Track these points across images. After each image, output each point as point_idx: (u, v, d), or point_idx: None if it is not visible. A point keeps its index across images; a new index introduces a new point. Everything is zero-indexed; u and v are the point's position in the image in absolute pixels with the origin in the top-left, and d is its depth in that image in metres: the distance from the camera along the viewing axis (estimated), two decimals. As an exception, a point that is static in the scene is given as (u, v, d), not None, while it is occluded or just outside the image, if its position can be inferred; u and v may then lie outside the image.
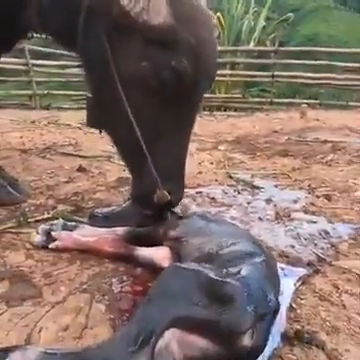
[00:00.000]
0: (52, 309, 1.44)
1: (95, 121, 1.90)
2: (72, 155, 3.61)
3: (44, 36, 2.13)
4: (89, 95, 1.83)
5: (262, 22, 12.29)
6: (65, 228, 1.90)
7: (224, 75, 10.67)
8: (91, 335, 1.32)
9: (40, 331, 1.33)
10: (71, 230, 1.89)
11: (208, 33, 1.62)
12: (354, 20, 19.25)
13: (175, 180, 1.75)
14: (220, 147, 4.49)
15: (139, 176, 1.75)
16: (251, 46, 11.63)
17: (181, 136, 1.72)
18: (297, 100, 10.35)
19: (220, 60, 9.84)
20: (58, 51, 10.55)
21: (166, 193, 1.67)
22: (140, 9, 1.41)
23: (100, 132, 1.93)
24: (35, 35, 2.36)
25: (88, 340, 1.28)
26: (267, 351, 1.25)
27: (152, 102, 1.59)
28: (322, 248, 2.06)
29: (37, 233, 1.88)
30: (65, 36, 1.83)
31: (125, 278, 1.66)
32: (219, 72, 10.04)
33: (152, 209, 1.80)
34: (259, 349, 1.21)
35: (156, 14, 1.42)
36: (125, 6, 1.41)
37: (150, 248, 1.75)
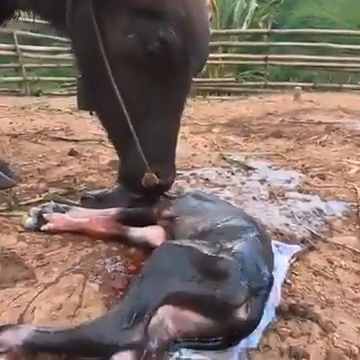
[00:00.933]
0: (45, 290, 1.43)
1: (86, 103, 1.83)
2: (63, 139, 3.55)
3: (33, 20, 2.05)
4: (79, 76, 1.77)
5: (254, 4, 12.08)
6: (57, 210, 1.88)
7: (217, 58, 10.54)
8: (85, 314, 1.31)
9: (33, 311, 1.31)
10: (63, 212, 1.87)
11: (198, 7, 1.56)
12: (348, 2, 19.02)
13: (165, 162, 1.69)
14: (214, 130, 4.46)
15: (126, 158, 1.69)
16: (244, 28, 11.47)
17: (171, 117, 1.65)
18: (291, 83, 10.26)
19: (212, 43, 9.70)
20: (48, 36, 10.38)
21: (154, 176, 1.61)
22: None
23: (91, 114, 1.86)
24: (23, 18, 2.29)
25: (82, 319, 1.27)
26: (262, 325, 1.25)
27: (140, 79, 1.52)
28: (316, 225, 2.06)
29: (28, 216, 1.85)
30: (53, 15, 1.76)
31: (118, 258, 1.64)
32: (212, 55, 9.90)
33: (140, 192, 1.75)
34: (254, 323, 1.20)
35: None
36: None
37: (143, 228, 1.73)
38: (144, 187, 1.63)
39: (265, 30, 10.45)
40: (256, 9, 12.21)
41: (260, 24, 11.75)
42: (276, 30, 10.45)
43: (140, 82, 1.53)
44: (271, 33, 10.17)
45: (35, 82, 9.37)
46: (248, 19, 11.72)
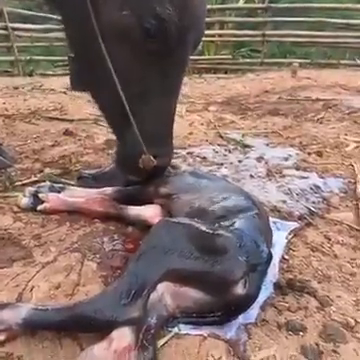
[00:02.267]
0: (43, 269, 1.43)
1: (79, 83, 1.78)
2: (58, 119, 3.49)
3: None
4: (71, 55, 1.70)
5: (251, -22, 11.74)
6: (52, 190, 1.86)
7: (213, 35, 10.30)
8: (83, 292, 1.31)
9: (32, 290, 1.31)
10: (59, 192, 1.85)
11: None
12: (346, -25, 18.53)
13: (162, 143, 1.64)
14: (210, 108, 4.39)
15: (123, 139, 1.64)
16: (241, 4, 11.17)
17: (168, 96, 1.58)
18: (288, 60, 10.09)
19: (208, 19, 9.46)
20: (40, 14, 10.08)
21: (152, 158, 1.56)
22: None
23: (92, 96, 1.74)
24: None
25: (80, 297, 1.27)
26: (260, 300, 1.26)
27: (136, 57, 1.45)
28: (313, 202, 2.06)
29: (24, 196, 1.84)
30: None
31: (116, 237, 1.64)
32: (207, 32, 9.67)
33: (137, 174, 1.71)
34: (252, 298, 1.21)
35: None
36: None
37: (140, 206, 1.72)
38: (141, 169, 1.59)
39: (262, 5, 10.18)
40: (253, -17, 11.87)
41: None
42: (273, 5, 10.19)
43: (136, 60, 1.46)
44: (268, 8, 9.91)
45: (28, 62, 9.16)
46: (245, -6, 11.42)
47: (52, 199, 1.79)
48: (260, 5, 10.58)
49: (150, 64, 1.47)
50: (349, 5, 10.45)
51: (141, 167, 1.57)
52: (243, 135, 3.26)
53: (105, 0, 1.40)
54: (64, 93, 4.91)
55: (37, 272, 1.40)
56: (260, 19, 10.19)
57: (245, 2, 11.12)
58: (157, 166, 1.60)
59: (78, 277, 1.38)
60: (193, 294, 1.18)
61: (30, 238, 1.61)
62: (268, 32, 9.96)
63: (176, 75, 1.58)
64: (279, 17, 10.09)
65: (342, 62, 9.64)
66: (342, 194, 2.16)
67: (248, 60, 10.35)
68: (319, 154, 2.77)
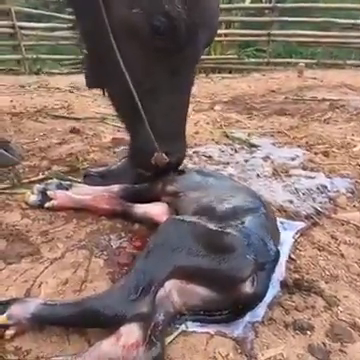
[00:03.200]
0: (51, 265, 1.44)
1: (93, 81, 1.78)
2: (64, 117, 3.50)
3: None
4: (85, 53, 1.70)
5: (258, -23, 11.70)
6: (60, 187, 1.87)
7: (219, 35, 10.28)
8: (91, 288, 1.32)
9: (40, 286, 1.33)
10: (66, 189, 1.86)
11: None
12: (353, -25, 18.42)
13: (175, 140, 1.63)
14: (216, 107, 4.39)
15: (136, 137, 1.65)
16: (247, 3, 11.14)
17: (180, 93, 1.58)
18: (294, 60, 10.05)
19: (214, 19, 9.43)
20: (47, 13, 10.12)
21: (164, 155, 1.56)
22: None
23: (104, 92, 1.79)
24: None
25: (88, 293, 1.28)
26: (267, 298, 1.26)
27: (145, 54, 1.46)
28: (320, 202, 2.05)
29: (32, 193, 1.85)
30: None
31: (123, 234, 1.65)
32: (214, 32, 9.65)
33: (150, 170, 1.70)
34: (260, 296, 1.21)
35: None
36: None
37: (147, 204, 1.72)
38: (154, 165, 1.59)
39: (269, 5, 10.15)
40: (259, -17, 11.83)
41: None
42: (279, 4, 10.15)
43: (147, 58, 1.47)
44: (274, 8, 9.88)
45: (34, 60, 9.19)
46: (251, -7, 11.39)
47: (60, 196, 1.80)
48: (266, 5, 10.55)
49: (160, 61, 1.47)
50: (355, 5, 10.40)
51: (154, 164, 1.58)
52: (249, 134, 3.26)
53: None
54: (70, 91, 4.93)
55: (45, 268, 1.41)
56: (266, 19, 10.16)
57: (251, 2, 11.09)
58: (170, 163, 1.60)
59: (86, 273, 1.39)
60: (200, 292, 1.18)
61: (38, 235, 1.62)
62: (274, 32, 9.92)
63: (187, 72, 1.57)
64: (285, 17, 10.06)
65: (348, 62, 9.58)
66: (349, 194, 2.15)
67: (254, 60, 10.32)
68: (326, 154, 2.76)
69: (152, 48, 1.44)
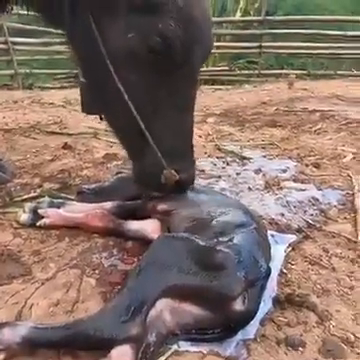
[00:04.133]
0: (42, 286, 1.43)
1: (91, 106, 1.80)
2: (57, 133, 3.52)
3: (27, 13, 2.00)
4: (82, 80, 1.73)
5: (247, -9, 11.93)
6: (52, 205, 1.87)
7: (210, 48, 10.42)
8: (83, 309, 1.31)
9: (31, 307, 1.32)
10: (58, 207, 1.86)
11: None
12: (340, -13, 18.84)
13: (183, 157, 1.61)
14: (208, 120, 4.43)
15: (141, 159, 1.61)
16: (237, 16, 11.33)
17: (182, 110, 1.58)
18: (285, 71, 10.20)
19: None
20: (40, 28, 10.20)
21: (174, 172, 1.54)
22: None
23: (101, 118, 1.83)
24: (15, 11, 2.23)
25: (80, 314, 1.28)
26: (259, 315, 1.26)
27: (146, 76, 1.48)
28: (311, 214, 2.07)
29: (24, 212, 1.84)
30: (48, 14, 1.70)
31: (115, 252, 1.65)
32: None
33: (161, 191, 1.65)
34: (251, 313, 1.22)
35: None
36: None
37: (139, 221, 1.73)
38: (165, 185, 1.56)
39: (259, 18, 10.33)
40: (249, -3, 12.06)
41: (251, 12, 11.58)
42: (269, 17, 10.34)
43: (146, 80, 1.48)
44: (265, 21, 10.06)
45: (27, 75, 9.24)
46: (241, 7, 11.58)
47: (51, 214, 1.80)
48: (256, 18, 10.74)
49: (161, 81, 1.49)
50: (343, 17, 10.63)
51: (164, 182, 1.55)
52: (241, 147, 3.29)
53: (110, 26, 1.43)
54: (63, 106, 4.95)
55: (36, 289, 1.41)
56: (257, 31, 10.32)
57: (241, 15, 11.29)
58: (181, 181, 1.57)
59: (77, 294, 1.38)
60: (192, 310, 1.18)
61: (29, 254, 1.62)
62: (265, 44, 10.08)
63: (188, 89, 1.59)
64: (275, 29, 10.25)
65: (339, 73, 9.74)
66: (340, 206, 2.17)
67: (245, 72, 10.45)
68: (317, 166, 2.79)
69: (151, 69, 1.46)
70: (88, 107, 1.83)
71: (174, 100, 1.53)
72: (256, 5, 11.44)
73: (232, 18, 11.20)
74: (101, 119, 1.83)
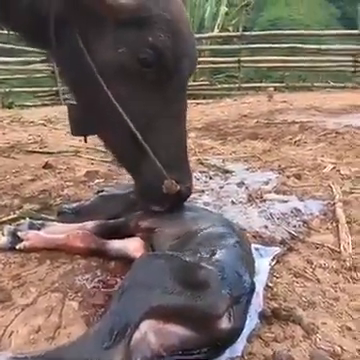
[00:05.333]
0: (22, 312, 1.38)
1: (80, 128, 1.80)
2: (37, 152, 3.48)
3: (8, 33, 1.98)
4: (69, 102, 1.74)
5: (224, 8, 12.23)
6: (32, 227, 1.82)
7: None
8: (65, 334, 1.27)
9: (10, 335, 1.27)
10: (38, 229, 1.82)
11: (179, 8, 1.56)
12: (313, 3, 19.57)
13: (180, 168, 1.64)
14: (190, 134, 4.46)
15: (141, 174, 1.63)
16: (215, 32, 11.58)
17: (175, 122, 1.62)
18: (264, 84, 10.44)
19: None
20: (19, 47, 10.16)
21: (174, 182, 1.54)
22: None
23: (85, 140, 1.87)
24: None
25: (62, 340, 1.23)
26: (246, 332, 1.25)
27: (139, 90, 1.50)
28: (294, 226, 2.08)
29: (2, 235, 1.79)
30: (31, 34, 1.69)
31: (98, 273, 1.61)
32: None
33: (163, 203, 1.64)
34: (237, 331, 1.20)
35: None
36: None
37: (122, 240, 1.70)
38: (167, 197, 1.57)
39: (236, 33, 10.60)
40: (226, 13, 12.37)
41: (230, 28, 11.88)
42: (247, 33, 10.63)
43: (139, 93, 1.51)
44: (242, 36, 10.33)
45: (7, 94, 9.15)
46: (219, 23, 11.86)
47: (31, 237, 1.75)
48: (234, 33, 11.00)
49: (152, 94, 1.51)
50: (318, 31, 11.01)
51: (165, 193, 1.55)
52: (223, 160, 3.31)
53: (98, 42, 1.44)
54: (44, 125, 4.92)
55: (16, 316, 1.35)
56: (235, 46, 10.56)
57: (219, 31, 11.54)
58: (181, 192, 1.58)
59: (59, 318, 1.34)
60: (177, 331, 1.15)
61: (9, 279, 1.57)
62: (243, 58, 10.32)
63: (179, 100, 1.61)
64: (253, 44, 10.51)
65: (316, 85, 10.01)
66: (322, 216, 2.19)
67: (225, 85, 10.64)
68: (298, 177, 2.83)
69: (143, 82, 1.48)
70: (76, 129, 1.81)
71: (167, 112, 1.56)
72: (233, 21, 11.74)
73: (211, 34, 11.44)
74: (85, 141, 1.85)
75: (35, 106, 8.41)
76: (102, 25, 1.42)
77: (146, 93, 1.50)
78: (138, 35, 1.41)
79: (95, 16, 1.40)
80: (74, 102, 1.72)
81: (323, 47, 10.42)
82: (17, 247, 1.74)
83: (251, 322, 1.30)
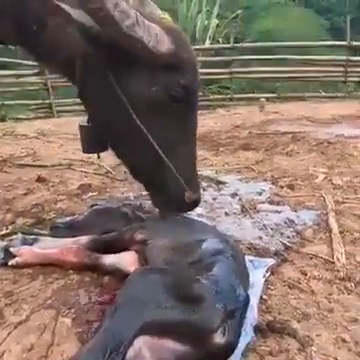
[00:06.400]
0: (15, 330, 1.36)
1: (93, 147, 2.00)
2: (30, 166, 3.46)
3: (15, 49, 2.16)
4: (84, 125, 1.94)
5: (215, 20, 12.41)
6: (25, 243, 1.81)
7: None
8: (58, 352, 1.25)
9: (3, 355, 1.25)
10: (31, 244, 1.80)
11: (190, 46, 1.81)
12: (303, 15, 19.93)
13: (194, 181, 1.88)
14: (183, 146, 4.48)
15: (162, 186, 1.83)
16: (207, 44, 11.72)
17: (190, 139, 1.86)
18: (256, 95, 10.55)
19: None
20: (12, 60, 10.19)
21: (192, 193, 1.79)
22: (150, 41, 1.53)
23: (98, 156, 2.05)
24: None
25: (55, 358, 1.22)
26: (241, 345, 1.24)
27: (164, 119, 1.72)
28: (288, 237, 2.09)
29: (-5, 251, 1.77)
30: (63, 70, 1.94)
31: (92, 288, 1.60)
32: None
33: (184, 210, 1.90)
34: (232, 345, 1.19)
35: (162, 44, 1.57)
36: (144, 41, 1.50)
37: (116, 254, 1.69)
38: (186, 204, 1.81)
39: (228, 45, 10.73)
40: (217, 25, 12.55)
41: (220, 40, 12.04)
42: (238, 44, 10.77)
43: (165, 122, 1.73)
44: (234, 48, 10.46)
45: (0, 107, 9.13)
46: (210, 35, 12.02)
47: (24, 253, 1.74)
48: (226, 45, 11.14)
49: (176, 121, 1.75)
50: (308, 43, 11.21)
51: (187, 202, 1.79)
52: (216, 172, 3.33)
53: (131, 80, 1.64)
54: (36, 138, 4.90)
55: (8, 334, 1.34)
56: (227, 58, 10.69)
57: (211, 43, 11.68)
58: (195, 200, 1.85)
59: (52, 336, 1.32)
60: (172, 346, 1.14)
61: (1, 296, 1.55)
62: (235, 69, 10.43)
63: (195, 120, 1.86)
64: (244, 55, 10.66)
65: (307, 95, 10.14)
66: (315, 227, 2.21)
67: (218, 96, 10.73)
68: (291, 187, 2.85)
69: (169, 113, 1.71)
70: (89, 147, 2.01)
71: (186, 132, 1.82)
72: (223, 33, 11.90)
73: (202, 46, 11.57)
74: (98, 157, 2.07)
75: (28, 119, 8.39)
76: (136, 66, 1.62)
77: (171, 121, 1.73)
78: (171, 77, 1.65)
79: (130, 57, 1.58)
80: (86, 124, 1.94)
81: (313, 58, 10.60)
82: (9, 263, 1.72)
83: (246, 336, 1.29)
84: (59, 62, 1.81)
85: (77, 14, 1.46)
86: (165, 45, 1.58)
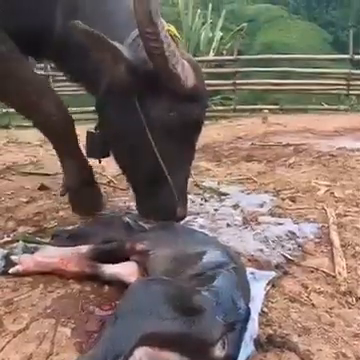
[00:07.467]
0: (14, 338, 1.35)
1: (97, 153, 2.16)
2: (33, 174, 3.48)
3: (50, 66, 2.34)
4: (91, 131, 2.11)
5: (219, 33, 12.57)
6: (26, 251, 1.81)
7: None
8: (57, 362, 1.25)
9: (1, 364, 1.24)
10: (32, 252, 1.80)
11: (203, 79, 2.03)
12: (306, 28, 20.13)
13: (184, 195, 2.05)
14: (186, 156, 4.50)
15: (157, 197, 1.99)
16: (211, 56, 11.85)
17: (189, 157, 2.05)
18: (259, 106, 10.63)
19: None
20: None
21: (183, 207, 2.01)
22: (184, 77, 1.75)
23: (99, 161, 2.23)
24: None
25: (53, 368, 1.21)
26: (241, 359, 1.23)
27: (174, 139, 1.90)
28: (289, 249, 2.08)
29: (-4, 259, 1.77)
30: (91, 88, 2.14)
31: (92, 298, 1.59)
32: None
33: (169, 219, 2.00)
34: (232, 358, 1.18)
35: (190, 80, 1.79)
36: (181, 78, 1.73)
37: (117, 264, 1.69)
38: (174, 217, 1.98)
39: (232, 57, 10.85)
40: (221, 38, 12.71)
41: (224, 52, 12.18)
42: (242, 57, 10.89)
43: (175, 142, 1.91)
44: (237, 60, 10.57)
45: (4, 114, 9.22)
46: (214, 47, 12.16)
47: (25, 261, 1.74)
48: (229, 57, 11.27)
49: (182, 141, 1.94)
50: (311, 55, 11.31)
51: (178, 215, 1.99)
52: (218, 183, 3.33)
53: (154, 104, 1.83)
54: (40, 146, 4.93)
55: (7, 343, 1.33)
56: (231, 70, 10.80)
57: (215, 55, 11.81)
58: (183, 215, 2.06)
59: (51, 346, 1.32)
60: (171, 358, 1.14)
61: (1, 304, 1.54)
62: (238, 81, 10.53)
63: (196, 139, 2.04)
64: (248, 67, 10.76)
65: (309, 107, 10.20)
66: (317, 240, 2.20)
67: (221, 108, 10.80)
68: (293, 199, 2.85)
69: (180, 135, 1.89)
70: (93, 153, 2.17)
71: (186, 153, 2.01)
72: (228, 45, 12.04)
73: (206, 58, 11.69)
74: (100, 162, 2.24)
75: (32, 127, 8.44)
76: (161, 92, 1.80)
77: (177, 141, 1.90)
78: (190, 107, 1.84)
79: (159, 86, 1.77)
80: (93, 131, 2.11)
81: (316, 71, 10.69)
82: (10, 271, 1.72)
83: (246, 349, 1.28)
84: (85, 75, 2.02)
85: (126, 51, 1.71)
86: (191, 81, 1.81)
